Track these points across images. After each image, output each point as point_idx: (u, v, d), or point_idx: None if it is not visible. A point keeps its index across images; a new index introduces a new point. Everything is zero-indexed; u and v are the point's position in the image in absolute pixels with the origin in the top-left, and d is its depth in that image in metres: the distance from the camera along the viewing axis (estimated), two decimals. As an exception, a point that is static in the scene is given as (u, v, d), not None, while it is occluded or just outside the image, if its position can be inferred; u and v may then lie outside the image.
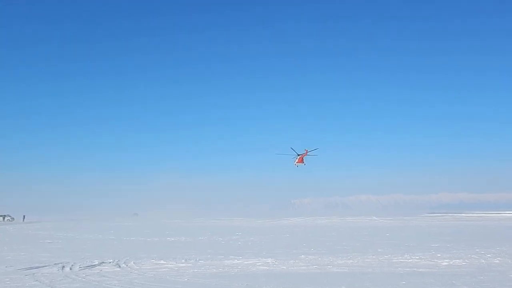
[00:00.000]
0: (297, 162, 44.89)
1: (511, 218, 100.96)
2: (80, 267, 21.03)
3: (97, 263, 22.60)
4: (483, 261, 22.37)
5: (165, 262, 22.74)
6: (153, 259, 24.02)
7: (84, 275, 18.84)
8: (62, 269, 20.60)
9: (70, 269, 20.61)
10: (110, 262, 22.84)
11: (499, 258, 23.20)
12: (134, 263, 22.62)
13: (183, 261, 23.35)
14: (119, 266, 21.42)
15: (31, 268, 20.83)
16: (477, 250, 27.38)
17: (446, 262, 22.10)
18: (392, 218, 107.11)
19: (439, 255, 24.99)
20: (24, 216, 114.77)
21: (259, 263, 22.23)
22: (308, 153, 44.39)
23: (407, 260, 22.93)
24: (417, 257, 23.99)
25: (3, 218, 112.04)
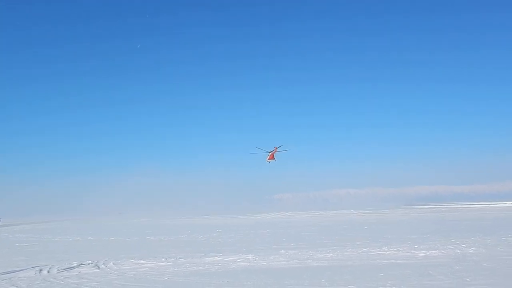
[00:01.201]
0: (268, 159, 47.45)
1: (484, 209, 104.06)
2: (58, 270, 20.66)
3: (75, 265, 22.23)
4: (458, 251, 23.00)
5: (145, 262, 22.57)
6: (132, 259, 23.79)
7: (62, 277, 18.52)
8: (40, 272, 20.20)
9: (48, 272, 20.23)
10: (89, 264, 22.51)
11: (473, 248, 23.90)
12: (113, 263, 22.36)
13: (163, 260, 23.21)
14: (98, 267, 21.14)
15: (7, 272, 20.32)
16: (453, 240, 28.12)
17: (423, 253, 22.63)
18: (370, 211, 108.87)
19: (416, 246, 25.57)
20: None
21: (240, 260, 22.30)
22: (277, 150, 47.07)
23: (385, 252, 23.39)
24: (395, 249, 24.48)
25: None
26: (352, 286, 14.69)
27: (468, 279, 15.21)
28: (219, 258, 23.10)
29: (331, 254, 23.23)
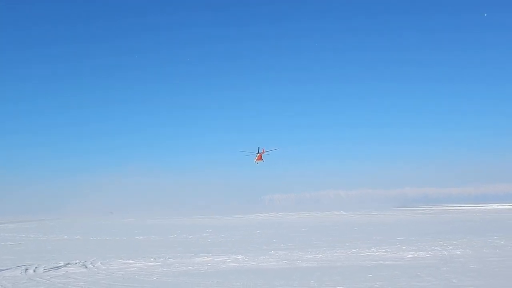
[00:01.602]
0: (256, 160, 49.20)
1: (472, 211, 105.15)
2: (44, 269, 20.40)
3: (62, 264, 21.99)
4: (445, 252, 23.19)
5: (133, 262, 22.39)
6: (121, 259, 23.60)
7: (48, 277, 18.29)
8: (26, 271, 19.93)
9: (34, 271, 19.96)
10: (76, 263, 22.27)
11: (460, 250, 24.11)
12: (101, 263, 22.14)
13: (152, 260, 23.06)
14: (86, 267, 20.93)
15: (-8, 271, 20.04)
16: (440, 242, 28.35)
17: (411, 254, 22.78)
18: (360, 212, 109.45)
19: (404, 248, 25.73)
20: None
21: (229, 260, 22.24)
22: (266, 152, 49.06)
23: (374, 254, 23.49)
24: (383, 250, 24.61)
25: None
26: (341, 287, 14.71)
27: (455, 280, 15.33)
28: (209, 259, 23.01)
29: (321, 255, 23.27)
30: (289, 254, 24.25)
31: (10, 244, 37.89)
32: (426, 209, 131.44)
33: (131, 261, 22.52)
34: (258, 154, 49.12)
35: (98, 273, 19.12)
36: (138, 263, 21.81)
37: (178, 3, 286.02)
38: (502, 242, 27.66)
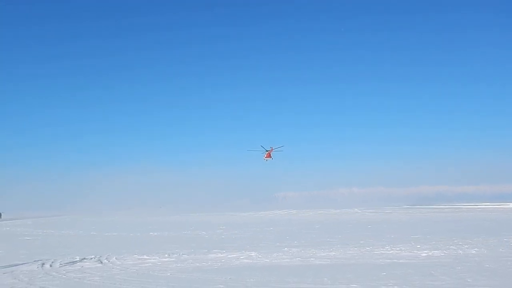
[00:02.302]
0: (265, 157, 50.59)
1: (488, 210, 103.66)
2: (60, 264, 20.74)
3: (78, 259, 22.32)
4: (460, 251, 22.90)
5: (148, 257, 22.62)
6: (135, 254, 23.85)
7: (64, 272, 18.59)
8: (42, 266, 20.29)
9: (50, 266, 20.31)
10: (91, 258, 22.59)
11: (475, 249, 23.78)
12: (116, 258, 22.42)
13: (166, 255, 23.26)
14: (101, 262, 21.22)
15: (9, 265, 20.42)
16: (455, 241, 28.00)
17: (425, 253, 22.55)
18: (374, 210, 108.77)
19: (418, 246, 25.48)
20: (0, 214, 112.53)
21: (243, 257, 22.31)
22: (274, 149, 50.44)
23: (388, 252, 23.32)
24: (397, 249, 24.41)
25: None
26: (355, 285, 14.66)
27: (469, 280, 15.14)
28: (222, 255, 23.12)
29: (334, 253, 23.20)
30: (302, 251, 24.23)
31: (27, 239, 38.61)
32: (441, 208, 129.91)
33: (145, 257, 22.76)
34: (267, 152, 50.25)
35: (113, 268, 19.37)
36: (153, 259, 22.03)
37: (178, 3, 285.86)
38: (519, 242, 27.20)
